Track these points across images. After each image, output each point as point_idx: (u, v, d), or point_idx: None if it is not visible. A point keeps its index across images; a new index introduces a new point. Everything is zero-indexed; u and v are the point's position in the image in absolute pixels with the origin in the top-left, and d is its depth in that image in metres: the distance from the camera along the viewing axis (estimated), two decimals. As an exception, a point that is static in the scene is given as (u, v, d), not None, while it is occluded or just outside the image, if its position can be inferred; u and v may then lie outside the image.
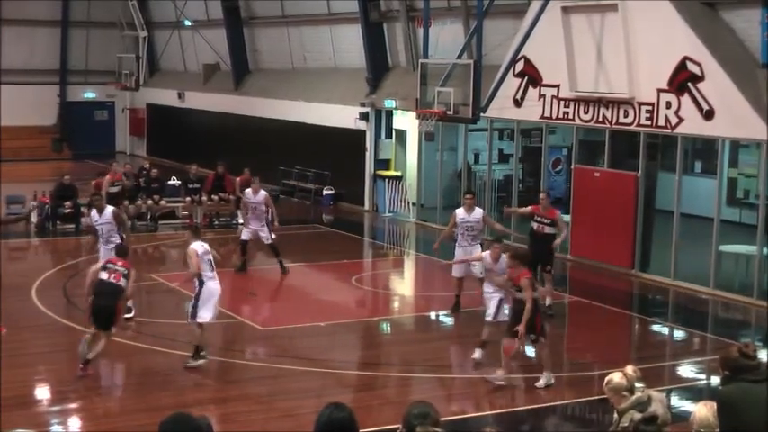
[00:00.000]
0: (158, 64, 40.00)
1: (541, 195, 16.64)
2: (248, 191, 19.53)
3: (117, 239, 15.29)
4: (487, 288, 13.49)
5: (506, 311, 12.92)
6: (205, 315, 13.13)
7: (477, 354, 13.35)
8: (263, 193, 19.19)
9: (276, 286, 19.32)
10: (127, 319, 15.07)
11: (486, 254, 13.88)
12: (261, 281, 19.69)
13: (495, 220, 18.23)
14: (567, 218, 20.42)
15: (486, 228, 16.86)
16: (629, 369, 7.03)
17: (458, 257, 15.94)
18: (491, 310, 13.23)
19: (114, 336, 13.00)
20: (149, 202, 24.38)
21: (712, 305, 17.70)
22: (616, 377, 6.98)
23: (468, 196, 16.53)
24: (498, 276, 13.15)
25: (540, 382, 12.41)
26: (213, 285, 13.19)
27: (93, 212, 15.72)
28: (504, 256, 13.29)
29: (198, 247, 13.17)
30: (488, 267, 13.56)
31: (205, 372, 13.41)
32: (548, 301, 15.90)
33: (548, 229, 15.98)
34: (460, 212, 16.06)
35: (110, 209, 15.54)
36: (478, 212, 16.10)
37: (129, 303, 15.24)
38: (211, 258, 13.30)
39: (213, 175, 25.07)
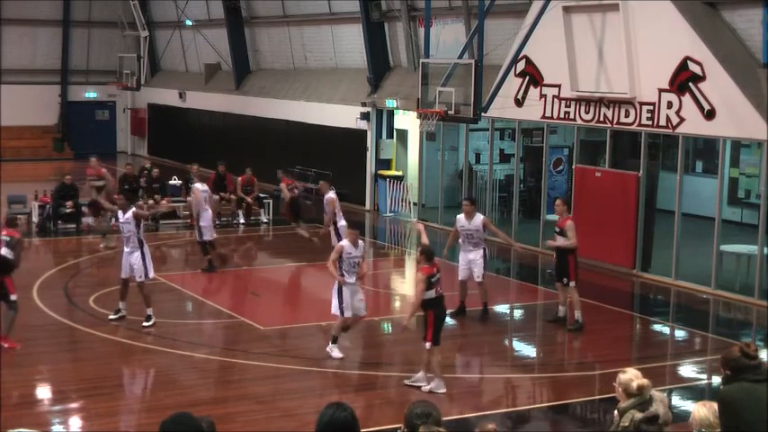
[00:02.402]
0: (159, 64, 40.03)
1: (557, 202, 15.94)
2: None
3: (136, 244, 15.19)
4: (350, 279, 13.56)
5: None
6: None
7: (335, 352, 13.45)
8: (198, 186, 19.77)
9: (278, 286, 19.34)
10: (145, 326, 15.00)
11: (346, 242, 13.59)
12: (262, 280, 19.71)
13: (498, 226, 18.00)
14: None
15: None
16: (646, 381, 6.92)
17: (460, 263, 15.91)
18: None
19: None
20: (150, 201, 24.38)
21: (713, 305, 17.69)
22: (634, 382, 6.89)
23: (465, 203, 16.06)
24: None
25: (426, 387, 12.25)
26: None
27: (119, 212, 15.62)
28: (360, 242, 13.47)
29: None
30: (348, 252, 13.50)
31: (205, 372, 13.43)
32: (576, 314, 15.32)
33: (559, 239, 15.38)
34: (461, 219, 15.78)
35: (131, 209, 15.28)
36: (478, 219, 15.68)
37: (149, 312, 15.16)
38: None
39: (214, 174, 25.10)
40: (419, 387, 12.29)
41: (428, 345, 12.14)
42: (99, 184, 22.76)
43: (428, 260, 12.25)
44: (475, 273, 15.75)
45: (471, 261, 15.77)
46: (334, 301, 13.59)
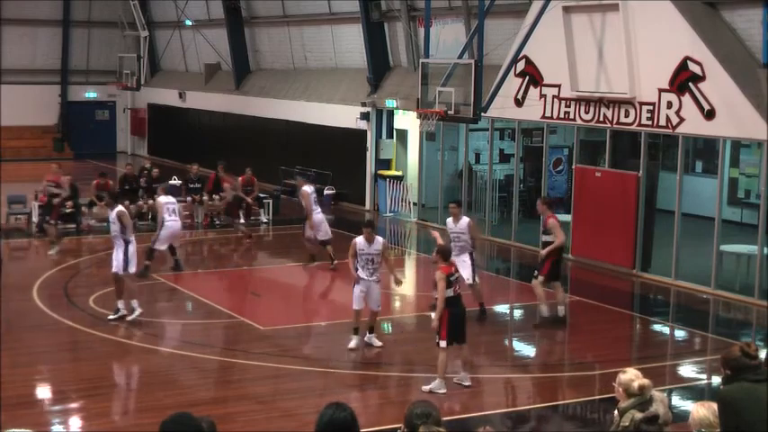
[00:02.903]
0: (159, 64, 40.02)
1: (537, 203, 16.22)
2: None
3: (121, 242, 15.21)
4: (363, 275, 13.80)
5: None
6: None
7: (351, 343, 13.79)
8: (162, 200, 19.32)
9: (278, 286, 19.34)
10: (110, 319, 15.04)
11: (360, 238, 13.85)
12: (262, 281, 19.72)
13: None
14: (568, 217, 20.43)
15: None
16: (647, 381, 6.93)
17: None
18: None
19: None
20: (150, 201, 24.37)
21: (713, 305, 17.69)
22: (636, 382, 6.88)
23: (452, 205, 16.12)
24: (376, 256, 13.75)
25: (426, 387, 12.23)
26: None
27: (108, 210, 15.79)
28: (379, 239, 13.89)
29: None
30: (362, 248, 13.76)
31: (205, 372, 13.43)
32: (541, 308, 15.49)
33: (545, 238, 15.60)
34: (449, 222, 15.91)
35: (116, 208, 15.34)
36: (464, 222, 15.71)
37: (134, 304, 15.18)
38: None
39: (214, 174, 25.09)
40: (467, 386, 12.34)
41: (443, 343, 12.15)
42: (55, 191, 22.83)
43: (445, 259, 12.48)
44: (464, 275, 15.65)
45: (458, 264, 15.72)
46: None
